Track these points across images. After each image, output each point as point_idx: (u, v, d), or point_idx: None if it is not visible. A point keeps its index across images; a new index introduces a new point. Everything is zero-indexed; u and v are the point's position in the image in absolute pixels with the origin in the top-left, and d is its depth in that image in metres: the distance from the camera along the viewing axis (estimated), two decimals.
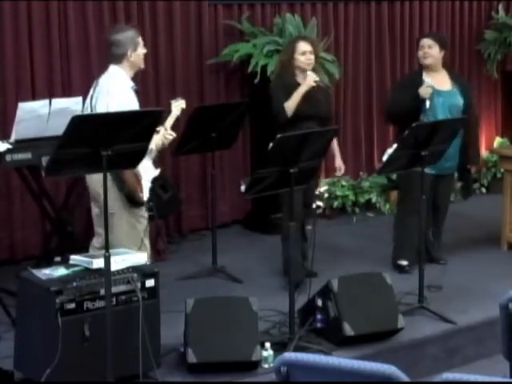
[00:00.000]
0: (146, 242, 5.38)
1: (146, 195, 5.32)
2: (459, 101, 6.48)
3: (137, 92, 5.39)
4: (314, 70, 6.16)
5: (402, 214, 6.58)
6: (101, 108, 5.19)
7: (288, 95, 6.02)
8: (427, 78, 6.34)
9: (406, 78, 6.92)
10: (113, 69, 5.33)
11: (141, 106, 5.42)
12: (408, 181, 6.37)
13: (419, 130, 5.65)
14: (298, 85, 6.07)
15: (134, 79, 5.43)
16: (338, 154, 6.48)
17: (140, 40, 5.38)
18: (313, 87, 6.02)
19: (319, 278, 6.11)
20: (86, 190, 5.64)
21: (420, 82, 6.33)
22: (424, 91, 6.26)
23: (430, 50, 6.45)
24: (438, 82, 6.42)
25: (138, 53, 5.34)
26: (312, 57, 6.13)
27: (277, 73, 6.41)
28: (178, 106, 5.79)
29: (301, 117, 5.99)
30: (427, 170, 6.18)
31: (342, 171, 6.57)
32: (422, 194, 5.81)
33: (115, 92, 5.22)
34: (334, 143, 6.33)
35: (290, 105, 6.00)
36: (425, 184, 6.02)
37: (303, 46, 6.13)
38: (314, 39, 6.75)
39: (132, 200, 5.24)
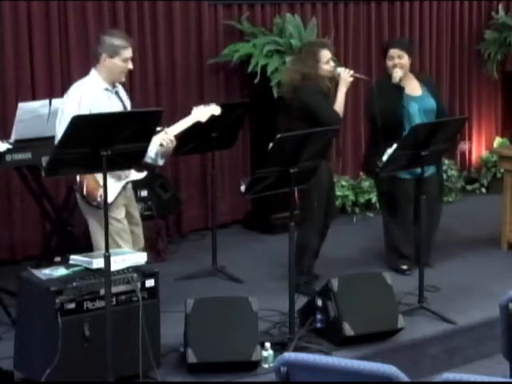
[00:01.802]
0: (122, 243, 5.20)
1: (111, 197, 5.11)
2: (432, 104, 6.46)
3: (117, 93, 5.26)
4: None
5: (390, 223, 6.56)
6: (69, 108, 5.07)
7: (325, 97, 5.93)
8: (396, 70, 6.32)
9: (381, 82, 6.60)
10: (91, 71, 5.26)
11: (125, 106, 5.29)
12: (391, 190, 6.37)
13: (419, 130, 5.65)
14: (328, 90, 6.00)
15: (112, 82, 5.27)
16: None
17: (124, 52, 5.18)
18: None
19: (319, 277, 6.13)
20: None
21: (394, 89, 6.31)
22: (395, 75, 6.26)
23: (401, 61, 6.36)
24: (409, 88, 6.41)
25: (115, 62, 5.17)
26: (333, 63, 6.07)
27: (303, 86, 5.94)
28: (203, 113, 5.53)
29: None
30: (406, 176, 6.19)
31: None
32: (421, 193, 5.81)
33: (84, 91, 5.15)
34: None
35: (340, 108, 5.95)
36: (406, 190, 6.02)
37: (327, 54, 6.00)
38: (328, 42, 6.53)
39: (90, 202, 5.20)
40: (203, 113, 5.67)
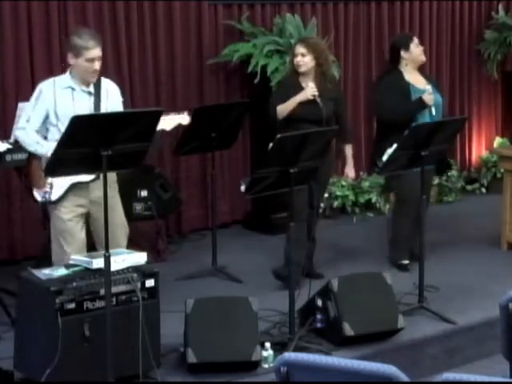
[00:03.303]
0: (64, 244, 5.13)
1: (56, 195, 5.13)
2: (438, 97, 6.51)
3: (90, 94, 5.14)
4: (316, 74, 6.05)
5: (398, 215, 6.58)
6: (30, 101, 5.21)
7: (285, 91, 6.04)
8: (427, 86, 6.36)
9: (388, 80, 6.54)
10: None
11: (96, 109, 5.07)
12: (399, 182, 6.37)
13: (419, 130, 5.65)
14: (298, 85, 6.05)
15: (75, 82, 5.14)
16: (351, 162, 6.42)
17: (87, 53, 5.01)
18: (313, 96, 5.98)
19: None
20: None
21: (407, 85, 6.36)
22: (428, 99, 6.29)
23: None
24: (415, 79, 6.48)
25: (79, 62, 5.05)
26: (304, 59, 6.01)
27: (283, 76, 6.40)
28: (171, 121, 5.40)
29: (292, 119, 5.97)
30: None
31: (349, 178, 6.69)
32: (422, 193, 5.81)
33: (46, 87, 5.16)
34: (349, 150, 6.38)
35: (283, 109, 5.97)
36: (417, 183, 6.01)
37: (296, 49, 6.11)
38: (312, 41, 6.35)
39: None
40: (171, 120, 5.48)
